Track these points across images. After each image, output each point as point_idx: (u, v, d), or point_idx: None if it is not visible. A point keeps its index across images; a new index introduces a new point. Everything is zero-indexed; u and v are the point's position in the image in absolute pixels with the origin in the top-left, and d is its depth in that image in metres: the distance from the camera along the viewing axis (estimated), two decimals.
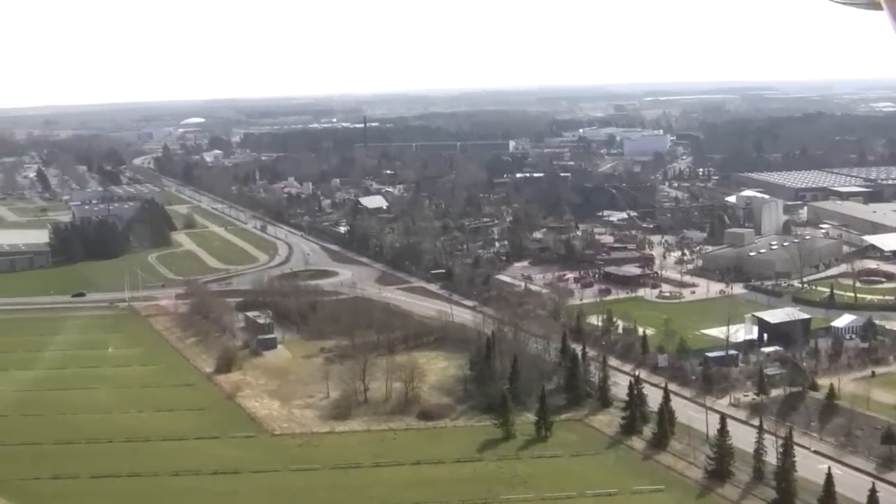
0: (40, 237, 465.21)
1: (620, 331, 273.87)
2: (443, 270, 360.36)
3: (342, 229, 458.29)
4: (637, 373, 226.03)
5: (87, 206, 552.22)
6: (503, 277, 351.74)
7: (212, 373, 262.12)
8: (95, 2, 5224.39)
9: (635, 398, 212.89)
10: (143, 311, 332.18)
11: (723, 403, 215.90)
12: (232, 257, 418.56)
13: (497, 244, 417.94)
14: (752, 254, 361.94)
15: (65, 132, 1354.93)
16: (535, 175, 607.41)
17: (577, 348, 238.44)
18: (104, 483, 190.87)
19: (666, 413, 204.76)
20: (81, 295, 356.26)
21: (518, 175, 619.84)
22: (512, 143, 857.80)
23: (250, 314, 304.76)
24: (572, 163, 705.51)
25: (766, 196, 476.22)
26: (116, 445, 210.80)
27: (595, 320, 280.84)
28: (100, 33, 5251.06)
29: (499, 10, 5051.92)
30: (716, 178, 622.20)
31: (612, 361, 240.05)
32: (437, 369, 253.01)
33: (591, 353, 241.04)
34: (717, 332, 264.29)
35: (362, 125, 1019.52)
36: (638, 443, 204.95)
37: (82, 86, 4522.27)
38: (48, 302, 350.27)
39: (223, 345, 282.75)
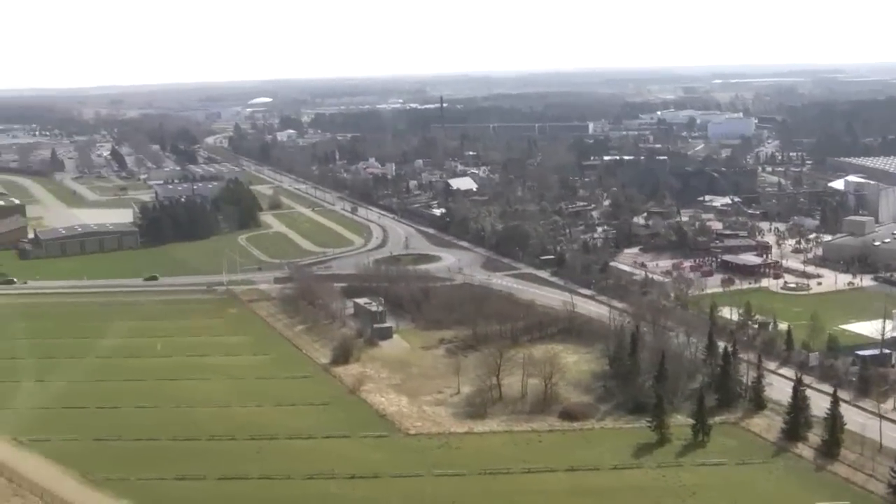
0: (125, 216, 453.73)
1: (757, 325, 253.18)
2: (552, 256, 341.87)
3: (437, 212, 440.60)
4: (798, 374, 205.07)
5: (169, 186, 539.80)
6: (617, 265, 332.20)
7: (328, 364, 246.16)
8: None
9: (799, 401, 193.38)
10: (242, 295, 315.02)
11: (886, 408, 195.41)
12: (325, 240, 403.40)
13: (599, 229, 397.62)
14: (877, 243, 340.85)
15: (132, 111, 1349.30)
16: (626, 158, 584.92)
17: (723, 345, 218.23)
18: (233, 486, 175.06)
19: (836, 419, 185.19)
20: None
21: (606, 158, 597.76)
22: (591, 125, 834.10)
23: (360, 301, 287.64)
24: (658, 145, 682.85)
25: (871, 182, 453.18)
26: (241, 444, 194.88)
27: (728, 313, 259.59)
28: (163, 14, 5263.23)
29: None
30: (809, 162, 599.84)
31: (752, 358, 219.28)
32: (569, 364, 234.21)
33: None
34: (861, 327, 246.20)
35: (436, 105, 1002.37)
36: (805, 451, 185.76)
37: (146, 66, 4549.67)
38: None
39: (336, 334, 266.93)
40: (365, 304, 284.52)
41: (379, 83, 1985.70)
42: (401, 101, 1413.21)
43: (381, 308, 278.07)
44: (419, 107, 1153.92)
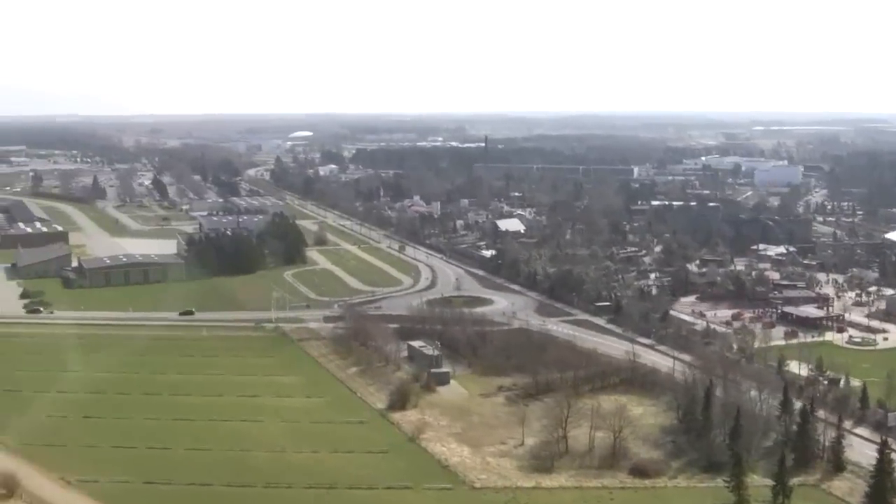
0: (168, 247, 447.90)
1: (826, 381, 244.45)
2: (608, 303, 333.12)
3: (486, 253, 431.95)
4: (883, 437, 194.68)
5: (213, 217, 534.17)
6: (676, 313, 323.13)
7: (385, 409, 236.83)
8: (198, 15, 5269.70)
9: (885, 464, 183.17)
10: (292, 333, 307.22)
11: None
12: (374, 278, 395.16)
13: (651, 276, 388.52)
14: None
15: (172, 141, 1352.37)
16: (675, 203, 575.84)
17: (798, 401, 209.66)
18: None
19: None
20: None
21: (654, 202, 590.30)
22: (636, 169, 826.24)
23: (415, 344, 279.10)
24: (706, 192, 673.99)
25: None
26: (299, 492, 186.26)
27: (796, 367, 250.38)
28: (204, 45, 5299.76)
29: (601, 35, 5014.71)
30: (860, 212, 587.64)
31: (823, 415, 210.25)
32: (635, 416, 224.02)
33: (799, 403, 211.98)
34: None
35: (478, 144, 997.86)
36: None
37: (186, 96, 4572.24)
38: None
39: (391, 377, 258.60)
40: (420, 347, 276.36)
41: (418, 120, 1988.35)
42: (440, 139, 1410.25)
43: (437, 352, 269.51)
44: (460, 145, 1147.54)
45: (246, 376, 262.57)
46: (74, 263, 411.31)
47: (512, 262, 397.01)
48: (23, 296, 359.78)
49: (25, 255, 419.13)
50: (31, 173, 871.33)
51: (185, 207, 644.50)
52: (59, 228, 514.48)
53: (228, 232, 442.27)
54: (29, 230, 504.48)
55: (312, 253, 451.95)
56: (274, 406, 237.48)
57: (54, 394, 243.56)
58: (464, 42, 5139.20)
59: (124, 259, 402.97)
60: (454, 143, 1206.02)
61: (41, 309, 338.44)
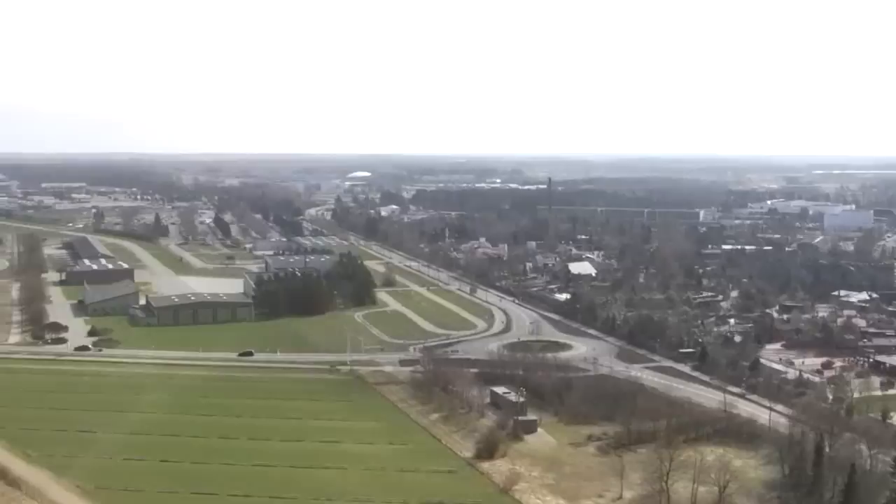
0: (235, 287, 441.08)
1: None
2: (692, 350, 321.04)
3: (560, 297, 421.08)
4: None
5: (280, 257, 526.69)
6: (764, 361, 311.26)
7: (472, 458, 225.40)
8: (254, 55, 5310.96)
9: None
10: (368, 377, 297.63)
11: None
12: (446, 321, 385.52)
13: (731, 321, 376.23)
14: None
15: (230, 179, 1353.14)
16: (747, 248, 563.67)
17: None
18: None
19: None
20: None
21: (725, 247, 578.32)
22: (701, 213, 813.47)
23: (498, 389, 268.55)
24: (777, 236, 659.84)
25: None
26: None
27: None
28: (259, 86, 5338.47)
29: (657, 78, 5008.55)
30: None
31: None
32: (733, 470, 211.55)
33: None
34: None
35: (538, 186, 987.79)
36: None
37: (240, 135, 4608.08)
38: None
39: (476, 424, 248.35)
40: (504, 393, 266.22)
41: (474, 162, 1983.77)
42: (498, 180, 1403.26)
43: (522, 398, 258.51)
44: (520, 187, 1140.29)
45: (324, 421, 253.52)
46: (142, 301, 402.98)
47: (588, 307, 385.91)
48: (91, 333, 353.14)
49: (93, 292, 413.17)
50: (93, 210, 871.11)
51: (248, 246, 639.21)
52: (125, 266, 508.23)
53: (296, 272, 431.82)
54: (95, 267, 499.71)
55: (381, 294, 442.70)
56: (356, 453, 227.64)
57: (128, 435, 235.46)
58: (520, 84, 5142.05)
59: (192, 298, 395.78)
60: (513, 185, 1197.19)
61: (90, 347, 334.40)
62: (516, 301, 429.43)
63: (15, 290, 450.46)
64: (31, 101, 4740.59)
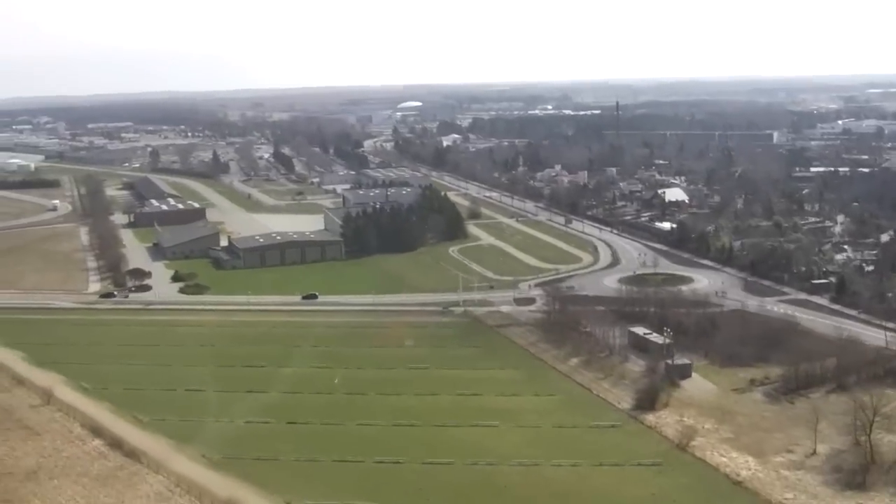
0: (313, 223, 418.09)
1: None
2: (827, 280, 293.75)
3: (662, 226, 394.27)
4: None
5: (359, 191, 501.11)
6: None
7: (632, 409, 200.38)
8: None
9: None
10: (486, 319, 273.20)
11: None
12: (548, 255, 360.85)
13: (847, 248, 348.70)
14: None
15: (277, 114, 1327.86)
16: (840, 170, 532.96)
17: None
18: None
19: None
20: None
21: (814, 170, 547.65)
22: (775, 134, 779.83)
23: (638, 330, 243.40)
24: (865, 157, 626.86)
25: None
26: None
27: None
28: (296, 19, 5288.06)
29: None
30: None
31: None
32: None
33: None
34: None
35: (592, 112, 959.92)
36: None
37: (279, 70, 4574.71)
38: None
39: (621, 370, 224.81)
40: (646, 334, 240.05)
41: (517, 90, 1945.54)
42: (549, 107, 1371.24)
43: (669, 340, 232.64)
44: (576, 113, 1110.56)
45: (455, 370, 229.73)
46: (223, 242, 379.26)
47: (700, 236, 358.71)
48: (175, 278, 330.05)
49: (170, 234, 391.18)
50: (148, 149, 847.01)
51: (314, 181, 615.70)
52: (196, 205, 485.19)
53: (377, 206, 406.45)
54: (165, 207, 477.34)
55: (470, 227, 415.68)
56: (501, 407, 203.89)
57: (244, 394, 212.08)
58: (557, 10, 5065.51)
59: (278, 237, 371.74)
60: (567, 111, 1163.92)
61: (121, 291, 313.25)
62: (614, 231, 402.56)
63: (84, 235, 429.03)
64: (67, 46, 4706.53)
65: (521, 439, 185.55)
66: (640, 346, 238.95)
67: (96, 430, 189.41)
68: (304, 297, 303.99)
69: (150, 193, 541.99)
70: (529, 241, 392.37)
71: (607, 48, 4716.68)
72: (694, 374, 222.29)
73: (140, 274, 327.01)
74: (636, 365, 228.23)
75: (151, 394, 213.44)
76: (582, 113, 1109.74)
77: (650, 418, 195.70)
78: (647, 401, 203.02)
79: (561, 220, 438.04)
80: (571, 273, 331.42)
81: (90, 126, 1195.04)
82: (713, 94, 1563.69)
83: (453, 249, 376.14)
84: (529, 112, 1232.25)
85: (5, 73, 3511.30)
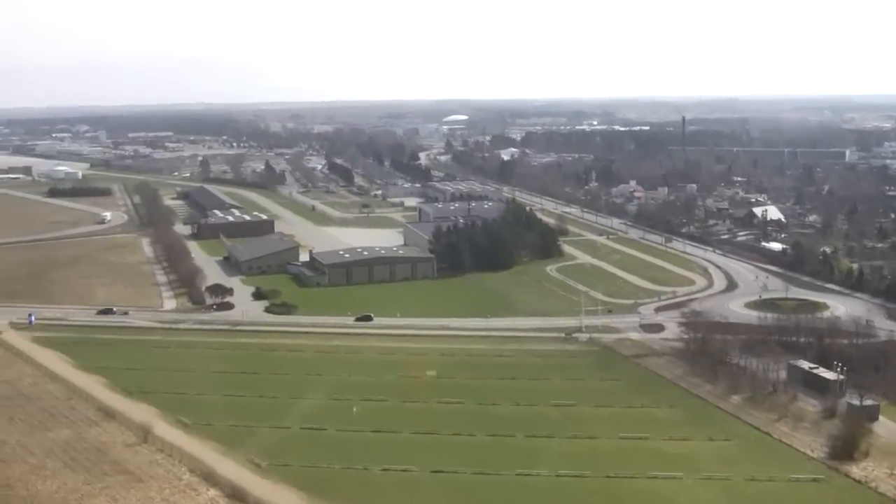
0: (389, 238, 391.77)
1: None
2: None
3: (774, 246, 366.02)
4: None
5: (438, 205, 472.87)
6: None
7: (827, 458, 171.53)
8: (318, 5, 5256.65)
9: None
10: (617, 346, 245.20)
11: None
12: (656, 276, 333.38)
13: None
14: None
15: (319, 126, 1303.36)
16: None
17: None
18: None
19: None
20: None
21: None
22: (847, 152, 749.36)
23: (801, 363, 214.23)
24: None
25: None
26: None
27: None
28: (327, 35, 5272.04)
29: (728, 21, 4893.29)
30: None
31: None
32: None
33: None
34: None
35: (641, 128, 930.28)
36: None
37: (308, 84, 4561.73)
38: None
39: (794, 410, 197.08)
40: (812, 368, 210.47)
41: (553, 105, 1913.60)
42: (595, 122, 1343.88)
43: (842, 375, 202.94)
44: (631, 128, 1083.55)
45: (605, 408, 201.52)
46: (302, 257, 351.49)
47: (823, 258, 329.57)
48: (257, 296, 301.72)
49: (243, 247, 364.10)
50: (198, 158, 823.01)
51: (377, 193, 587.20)
52: (263, 217, 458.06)
53: (468, 221, 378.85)
54: (230, 218, 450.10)
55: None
56: (676, 453, 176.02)
57: (371, 434, 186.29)
58: (592, 26, 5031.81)
59: (365, 253, 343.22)
60: (618, 127, 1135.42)
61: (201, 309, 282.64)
62: (717, 251, 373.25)
63: (146, 246, 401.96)
64: (98, 54, 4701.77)
65: (712, 495, 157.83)
66: (808, 383, 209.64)
67: (209, 477, 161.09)
68: (357, 319, 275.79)
69: (207, 203, 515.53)
70: (630, 260, 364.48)
71: (639, 66, 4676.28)
72: (881, 417, 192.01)
73: (221, 290, 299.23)
74: (808, 404, 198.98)
75: (264, 432, 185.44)
76: (638, 128, 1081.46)
77: (855, 470, 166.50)
78: (845, 449, 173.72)
79: (654, 237, 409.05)
80: (690, 297, 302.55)
81: (131, 135, 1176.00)
82: (755, 112, 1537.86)
83: (551, 268, 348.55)
84: (578, 127, 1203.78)
85: (40, 83, 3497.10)
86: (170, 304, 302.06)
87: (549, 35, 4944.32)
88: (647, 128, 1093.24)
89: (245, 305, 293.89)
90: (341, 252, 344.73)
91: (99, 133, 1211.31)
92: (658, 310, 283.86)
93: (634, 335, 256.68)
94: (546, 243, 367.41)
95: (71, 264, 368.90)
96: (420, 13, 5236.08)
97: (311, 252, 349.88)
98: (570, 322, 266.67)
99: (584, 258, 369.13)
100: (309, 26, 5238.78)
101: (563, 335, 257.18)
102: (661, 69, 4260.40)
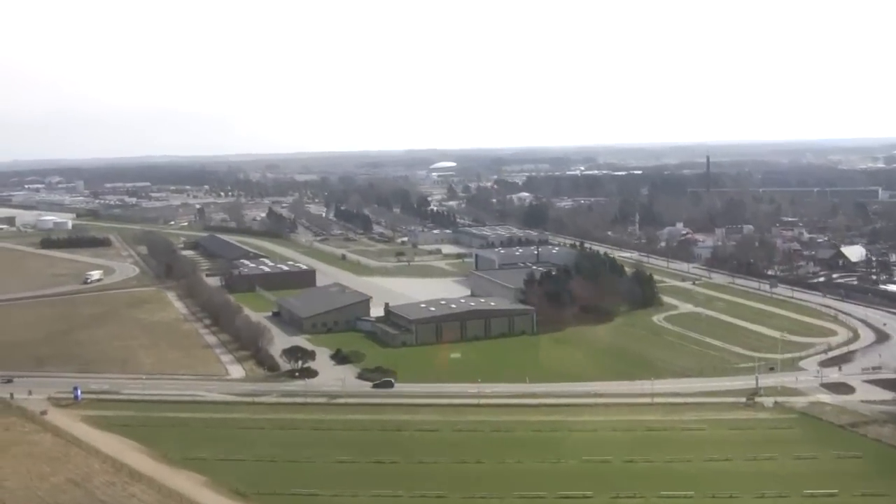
0: (447, 287, 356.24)
1: None
2: None
3: (892, 287, 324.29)
4: None
5: (500, 250, 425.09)
6: None
7: None
8: (285, 59, 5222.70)
9: None
10: (815, 412, 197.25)
11: None
12: (785, 325, 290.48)
13: None
14: None
15: (299, 175, 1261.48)
16: None
17: None
18: None
19: None
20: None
21: None
22: (879, 190, 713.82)
23: None
24: None
25: None
26: None
27: None
28: (296, 87, 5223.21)
29: (699, 67, 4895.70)
30: None
31: None
32: None
33: None
34: None
35: (632, 172, 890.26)
36: None
37: (268, 136, 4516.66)
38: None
39: None
40: None
41: (527, 153, 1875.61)
42: (582, 168, 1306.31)
43: None
44: (623, 174, 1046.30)
45: (874, 497, 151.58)
46: (373, 311, 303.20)
47: None
48: (338, 359, 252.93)
49: (300, 301, 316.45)
50: (196, 206, 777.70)
51: (403, 240, 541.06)
52: (303, 266, 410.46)
53: (564, 267, 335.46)
54: (266, 269, 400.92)
55: None
56: None
57: None
58: (561, 79, 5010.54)
59: (453, 306, 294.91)
60: (618, 172, 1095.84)
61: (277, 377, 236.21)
62: (829, 296, 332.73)
63: (175, 301, 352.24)
64: (62, 108, 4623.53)
65: None
66: None
67: None
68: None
69: (223, 253, 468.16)
70: (740, 308, 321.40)
71: (605, 114, 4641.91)
72: None
73: (301, 353, 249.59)
74: None
75: None
76: (632, 172, 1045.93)
77: None
78: None
79: (744, 282, 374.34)
80: (848, 349, 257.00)
81: (107, 185, 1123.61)
82: (737, 157, 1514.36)
83: (658, 318, 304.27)
84: (568, 172, 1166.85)
85: (3, 137, 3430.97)
86: (235, 370, 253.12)
87: (516, 87, 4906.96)
88: (639, 172, 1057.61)
89: (327, 372, 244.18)
90: (423, 305, 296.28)
91: (76, 184, 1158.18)
92: (822, 365, 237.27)
93: (825, 398, 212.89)
94: (645, 291, 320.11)
95: (96, 323, 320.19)
96: (386, 67, 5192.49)
97: (387, 306, 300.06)
98: (735, 383, 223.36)
99: (685, 306, 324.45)
100: (275, 81, 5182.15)
101: (742, 400, 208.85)
102: (627, 117, 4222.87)
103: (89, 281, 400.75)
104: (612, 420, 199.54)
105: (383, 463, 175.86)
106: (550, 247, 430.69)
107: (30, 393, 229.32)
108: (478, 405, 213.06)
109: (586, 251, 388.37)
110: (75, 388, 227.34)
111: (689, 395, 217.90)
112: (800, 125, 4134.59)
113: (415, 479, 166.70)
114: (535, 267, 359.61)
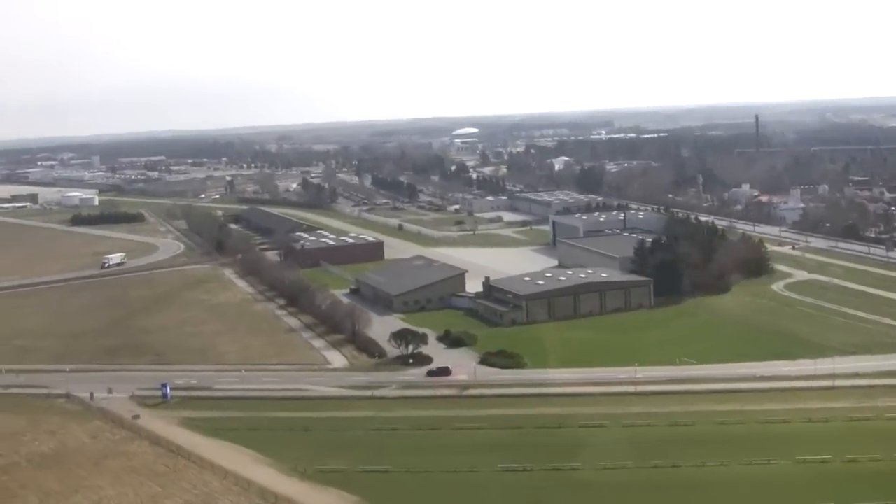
0: (532, 258, 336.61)
1: None
2: None
3: None
4: None
5: (581, 217, 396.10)
6: None
7: None
8: (295, 22, 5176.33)
9: None
10: None
11: None
12: None
13: None
14: None
15: (317, 145, 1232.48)
16: None
17: None
18: None
19: None
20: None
21: None
22: None
23: None
24: None
25: None
26: None
27: None
28: (304, 57, 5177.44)
29: (716, 30, 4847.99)
30: None
31: None
32: None
33: None
34: None
35: (658, 134, 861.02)
36: None
37: (274, 108, 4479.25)
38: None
39: None
40: None
41: (539, 119, 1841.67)
42: (603, 132, 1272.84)
43: None
44: (648, 136, 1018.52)
45: None
46: (470, 288, 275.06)
47: None
48: (449, 342, 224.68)
49: (386, 278, 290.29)
50: (227, 178, 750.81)
51: (456, 207, 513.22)
52: (369, 238, 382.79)
53: (674, 235, 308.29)
54: (330, 242, 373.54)
55: None
56: None
57: None
58: (569, 43, 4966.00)
59: (562, 279, 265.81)
60: (646, 135, 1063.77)
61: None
62: None
63: (238, 280, 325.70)
64: (55, 89, 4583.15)
65: None
66: None
67: None
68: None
69: (270, 226, 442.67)
70: (862, 275, 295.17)
71: (611, 79, 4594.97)
72: None
73: (411, 337, 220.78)
74: None
75: None
76: (655, 135, 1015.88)
77: None
78: None
79: (846, 246, 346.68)
80: None
81: (122, 160, 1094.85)
82: (750, 118, 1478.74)
83: (778, 287, 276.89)
84: (593, 136, 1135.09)
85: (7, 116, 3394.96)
86: (335, 358, 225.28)
87: (520, 54, 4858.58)
88: (665, 134, 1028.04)
89: (439, 357, 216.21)
90: (527, 279, 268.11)
91: (92, 160, 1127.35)
92: None
93: None
94: (757, 259, 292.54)
95: (158, 307, 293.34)
96: (388, 36, 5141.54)
97: (487, 280, 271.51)
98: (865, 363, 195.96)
99: (799, 273, 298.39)
100: (278, 53, 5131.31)
101: None
102: (633, 81, 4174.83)
103: (108, 265, 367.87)
104: (799, 409, 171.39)
105: (561, 470, 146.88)
106: (634, 212, 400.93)
107: (110, 391, 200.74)
108: (635, 393, 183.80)
109: (676, 216, 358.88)
110: (164, 385, 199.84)
111: (871, 375, 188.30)
112: (804, 85, 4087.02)
113: (602, 491, 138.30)
114: (624, 233, 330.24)
